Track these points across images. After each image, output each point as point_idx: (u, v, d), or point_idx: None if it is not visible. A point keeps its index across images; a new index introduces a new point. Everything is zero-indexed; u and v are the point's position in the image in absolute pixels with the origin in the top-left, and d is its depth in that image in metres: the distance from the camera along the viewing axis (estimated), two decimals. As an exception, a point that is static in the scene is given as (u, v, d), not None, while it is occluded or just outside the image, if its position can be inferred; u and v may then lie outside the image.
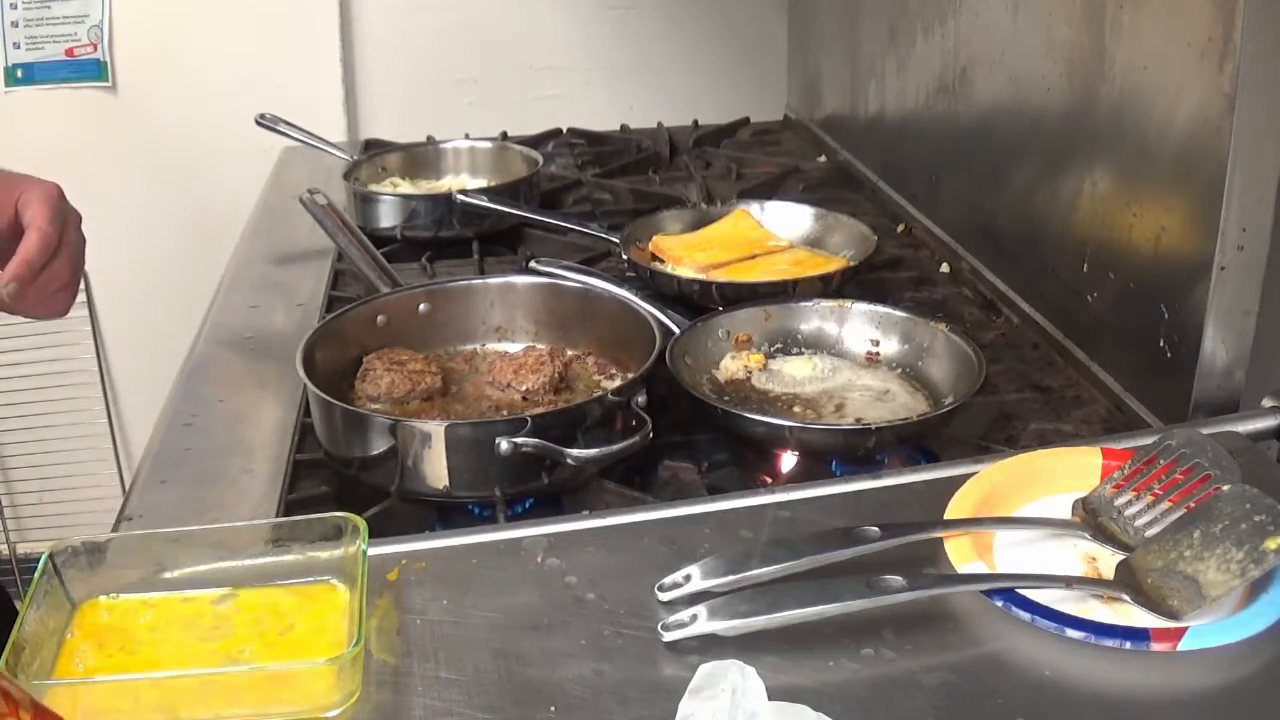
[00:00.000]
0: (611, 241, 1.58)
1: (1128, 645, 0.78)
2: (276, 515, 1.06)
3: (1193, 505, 0.86)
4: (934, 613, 0.82)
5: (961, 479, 0.94)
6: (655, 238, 1.60)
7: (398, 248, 1.67)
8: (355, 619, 0.79)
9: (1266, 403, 1.07)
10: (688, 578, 0.84)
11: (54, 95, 2.38)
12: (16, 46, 2.36)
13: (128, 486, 1.15)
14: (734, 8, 2.45)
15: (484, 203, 1.69)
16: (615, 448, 1.06)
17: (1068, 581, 0.84)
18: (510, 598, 0.86)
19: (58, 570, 0.83)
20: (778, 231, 1.62)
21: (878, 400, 1.21)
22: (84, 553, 0.84)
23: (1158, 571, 0.83)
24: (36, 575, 0.81)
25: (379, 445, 1.08)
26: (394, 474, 1.08)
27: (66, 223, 1.16)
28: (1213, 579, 0.80)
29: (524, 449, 1.04)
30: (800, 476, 1.11)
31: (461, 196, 1.69)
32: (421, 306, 1.32)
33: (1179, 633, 0.78)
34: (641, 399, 1.13)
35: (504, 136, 2.17)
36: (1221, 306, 1.06)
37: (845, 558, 0.84)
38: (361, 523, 0.85)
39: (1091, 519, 0.91)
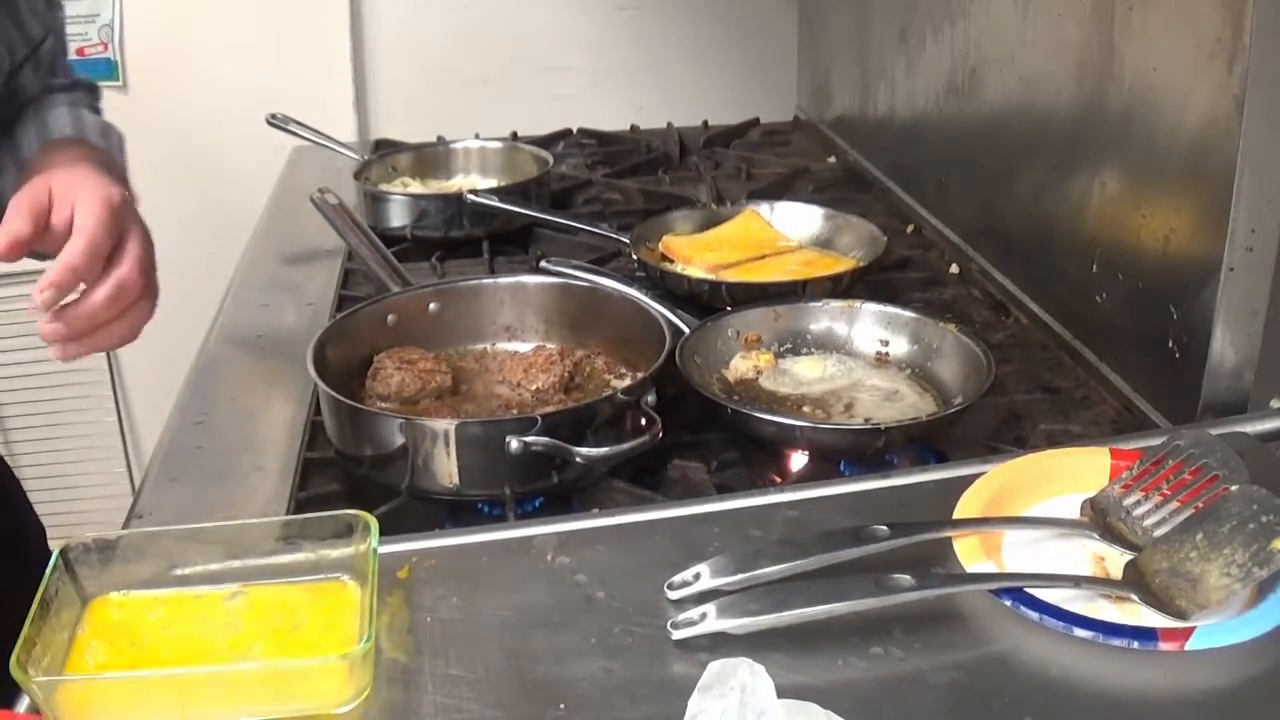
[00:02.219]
0: (621, 241, 1.58)
1: (1135, 645, 0.78)
2: (287, 513, 1.06)
3: (1201, 505, 0.86)
4: (943, 612, 0.82)
5: (970, 479, 0.94)
6: (665, 238, 1.60)
7: (408, 247, 1.68)
8: (366, 616, 0.79)
9: (1275, 404, 1.08)
10: (697, 576, 0.84)
11: (65, 94, 2.38)
12: (28, 46, 2.36)
13: (138, 484, 1.16)
14: (744, 8, 2.45)
15: (494, 202, 1.69)
16: (625, 447, 1.06)
17: (1076, 581, 0.84)
18: (520, 596, 0.86)
19: (69, 567, 0.83)
20: (787, 232, 1.62)
21: (887, 400, 1.21)
22: (95, 549, 0.84)
23: (1165, 571, 0.83)
24: (48, 572, 0.81)
25: (389, 444, 1.08)
26: (404, 472, 1.08)
27: (127, 233, 1.08)
28: (1220, 579, 0.80)
29: (534, 448, 1.04)
30: (809, 476, 1.11)
31: (472, 196, 1.70)
32: (432, 306, 1.32)
33: (1187, 632, 0.78)
34: (651, 398, 1.13)
35: (514, 136, 2.18)
36: (1230, 307, 1.06)
37: (854, 557, 0.84)
38: (372, 520, 0.86)
39: (1100, 519, 0.91)
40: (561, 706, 0.75)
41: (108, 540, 0.85)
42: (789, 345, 1.31)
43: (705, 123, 2.28)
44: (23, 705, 0.78)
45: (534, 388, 1.22)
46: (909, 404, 1.21)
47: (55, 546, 0.84)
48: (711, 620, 0.80)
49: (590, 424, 1.08)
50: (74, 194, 1.07)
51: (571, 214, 1.80)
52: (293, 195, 1.89)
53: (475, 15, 2.41)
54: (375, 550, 0.84)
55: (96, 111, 1.38)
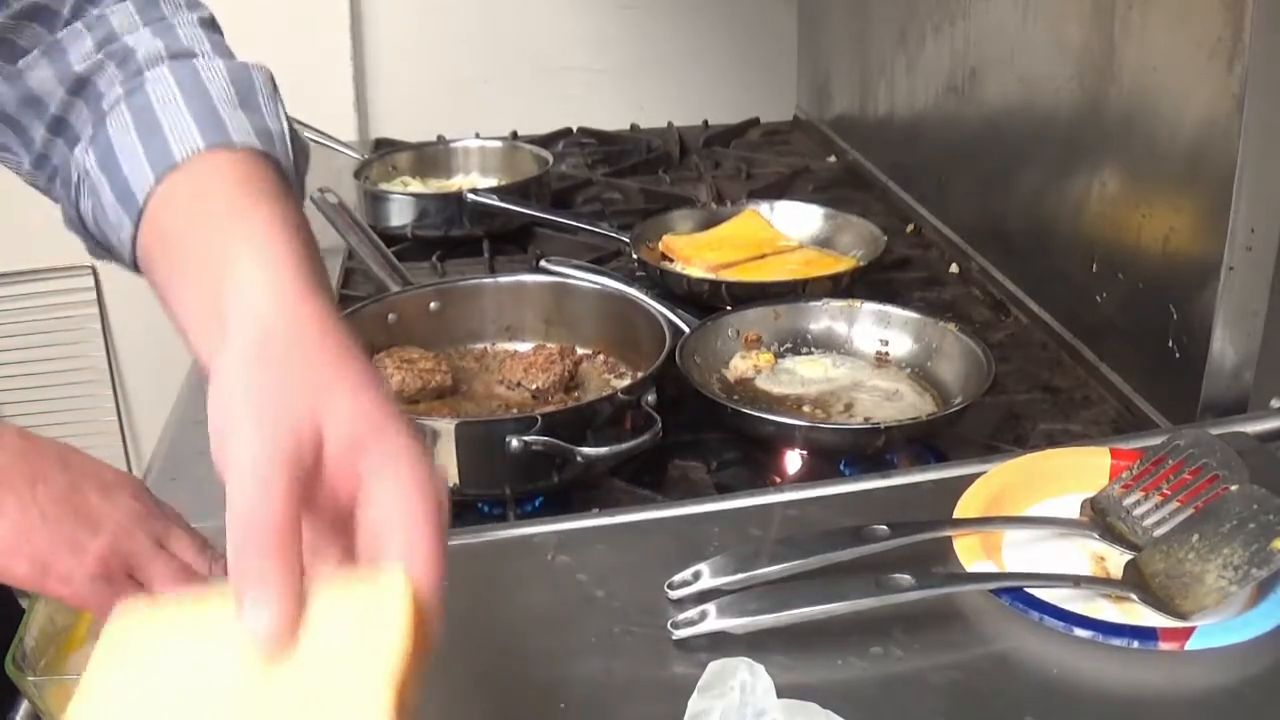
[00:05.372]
0: (621, 241, 1.58)
1: (1135, 644, 0.78)
2: (287, 513, 1.06)
3: (1201, 505, 0.86)
4: (943, 611, 0.82)
5: (970, 478, 0.94)
6: (665, 237, 1.60)
7: (408, 246, 1.67)
8: (366, 616, 0.79)
9: (1275, 403, 1.07)
10: (697, 575, 0.84)
11: (65, 94, 2.38)
12: (28, 46, 2.36)
13: (139, 484, 1.15)
14: (744, 8, 2.44)
15: (494, 202, 1.69)
16: (625, 446, 1.06)
17: (1076, 581, 0.84)
18: (520, 596, 0.86)
19: (70, 566, 0.83)
20: (787, 231, 1.62)
21: (887, 400, 1.21)
22: (96, 549, 0.84)
23: (1165, 571, 0.83)
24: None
25: (389, 443, 1.08)
26: (404, 472, 1.08)
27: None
28: (1219, 579, 0.80)
29: (534, 447, 1.04)
30: (809, 476, 1.11)
31: (472, 195, 1.70)
32: (432, 305, 1.32)
33: (1187, 632, 0.78)
34: (651, 398, 1.13)
35: (514, 136, 2.18)
36: (1230, 307, 1.06)
37: (854, 556, 0.84)
38: (372, 520, 0.85)
39: (1100, 519, 0.91)
40: (561, 706, 0.75)
41: (108, 540, 0.84)
42: (789, 345, 1.31)
43: (705, 122, 2.28)
44: (21, 707, 0.78)
45: (534, 387, 1.22)
46: (909, 404, 1.21)
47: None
48: (711, 620, 0.80)
49: (590, 424, 1.08)
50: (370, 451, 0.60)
51: (571, 213, 1.80)
52: (293, 195, 1.88)
53: (475, 15, 2.40)
54: (375, 550, 0.84)
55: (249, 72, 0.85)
